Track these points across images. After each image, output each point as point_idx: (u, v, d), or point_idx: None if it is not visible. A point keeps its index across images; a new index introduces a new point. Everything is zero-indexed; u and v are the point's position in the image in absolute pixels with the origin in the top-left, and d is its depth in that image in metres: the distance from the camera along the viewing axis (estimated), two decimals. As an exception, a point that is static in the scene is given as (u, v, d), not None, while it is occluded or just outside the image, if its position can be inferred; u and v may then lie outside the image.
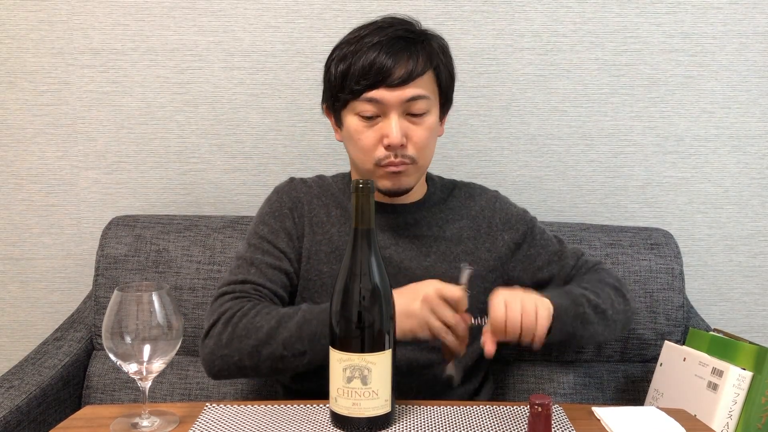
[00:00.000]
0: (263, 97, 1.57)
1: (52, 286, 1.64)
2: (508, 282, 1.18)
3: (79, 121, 1.58)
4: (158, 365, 0.84)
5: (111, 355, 0.83)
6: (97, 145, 1.59)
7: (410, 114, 1.06)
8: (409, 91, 1.04)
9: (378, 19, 1.10)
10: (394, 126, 1.04)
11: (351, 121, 1.08)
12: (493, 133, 1.58)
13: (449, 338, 0.95)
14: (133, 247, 1.42)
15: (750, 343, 1.11)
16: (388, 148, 1.05)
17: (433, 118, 1.09)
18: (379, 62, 1.03)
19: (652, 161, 1.59)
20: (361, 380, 0.82)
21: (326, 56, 1.53)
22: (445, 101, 1.14)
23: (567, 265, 1.20)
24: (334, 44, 1.53)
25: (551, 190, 1.60)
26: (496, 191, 1.25)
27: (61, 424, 0.87)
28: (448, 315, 0.95)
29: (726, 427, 1.08)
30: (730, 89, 1.56)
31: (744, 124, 1.58)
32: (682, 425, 0.90)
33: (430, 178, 1.23)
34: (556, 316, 1.01)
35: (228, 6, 1.54)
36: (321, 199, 1.18)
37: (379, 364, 0.82)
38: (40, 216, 1.61)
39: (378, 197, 1.13)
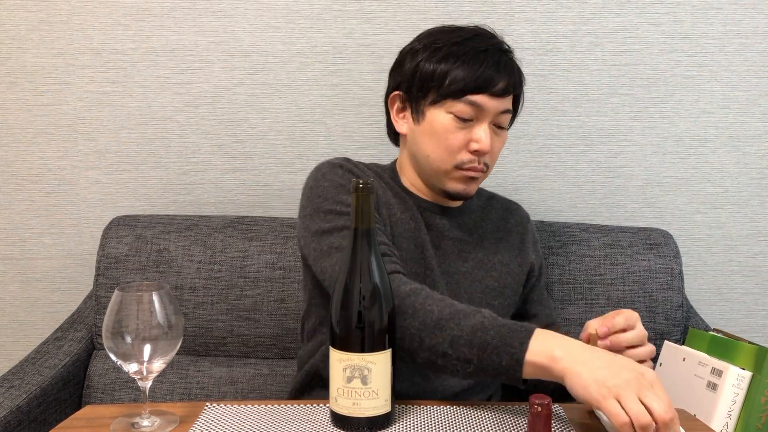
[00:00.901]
0: (263, 97, 1.57)
1: (52, 286, 1.64)
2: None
3: (79, 121, 1.58)
4: (158, 365, 0.85)
5: (111, 355, 0.83)
6: (97, 145, 1.59)
7: (496, 124, 1.09)
8: (505, 103, 1.08)
9: (470, 26, 1.12)
10: (485, 133, 1.06)
11: (442, 118, 1.07)
12: (493, 133, 1.58)
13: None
14: (134, 247, 1.42)
15: (749, 343, 1.12)
16: (475, 153, 1.07)
17: (506, 133, 1.13)
18: (489, 70, 1.05)
19: (652, 161, 1.59)
20: (361, 380, 0.82)
21: (326, 56, 1.55)
22: (514, 117, 1.17)
23: (549, 315, 1.24)
24: (333, 44, 1.54)
25: (551, 190, 1.60)
26: (528, 214, 1.28)
27: (61, 424, 0.87)
28: (662, 407, 0.76)
29: (725, 426, 1.08)
30: (730, 89, 1.57)
31: (744, 124, 1.58)
32: (682, 425, 0.91)
33: None
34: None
35: (228, 6, 1.54)
36: (377, 180, 1.15)
37: (379, 364, 0.82)
38: (40, 216, 1.61)
39: (426, 195, 1.15)
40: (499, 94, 1.06)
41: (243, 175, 1.60)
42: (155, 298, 0.83)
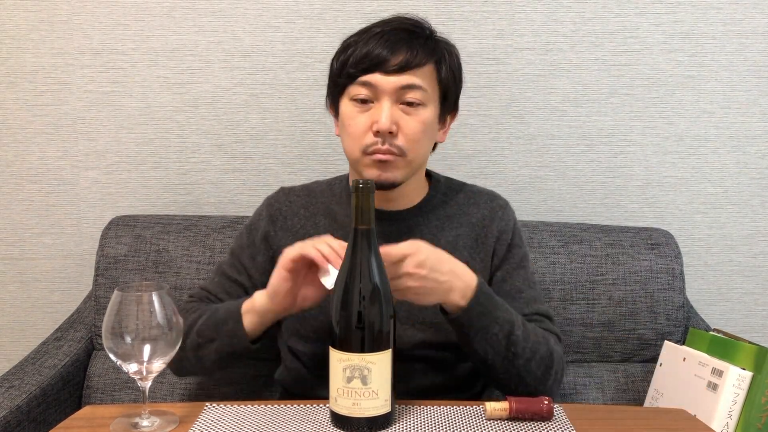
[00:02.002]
0: (263, 97, 1.57)
1: (52, 286, 1.64)
2: None
3: (79, 121, 1.58)
4: (158, 365, 0.84)
5: (111, 355, 0.83)
6: (97, 145, 1.59)
7: (404, 103, 1.04)
8: (404, 79, 1.03)
9: (392, 17, 1.11)
10: (384, 111, 1.02)
11: (345, 107, 1.07)
12: (493, 133, 1.58)
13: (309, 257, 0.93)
14: (133, 247, 1.42)
15: (750, 343, 1.12)
16: (376, 134, 1.03)
17: (428, 112, 1.06)
18: (378, 49, 1.03)
19: (652, 161, 1.59)
20: (361, 380, 0.82)
21: (326, 56, 1.54)
22: (445, 100, 1.10)
23: (518, 308, 1.09)
24: (334, 44, 1.53)
25: (551, 190, 1.60)
26: (506, 201, 1.20)
27: (61, 424, 0.87)
28: (291, 255, 0.94)
29: (726, 427, 1.08)
30: (730, 89, 1.56)
31: (744, 124, 1.58)
32: (682, 425, 0.90)
33: (436, 180, 1.19)
34: (466, 309, 0.96)
35: (228, 6, 1.54)
36: (308, 209, 1.17)
37: (379, 364, 0.82)
38: (40, 216, 1.61)
39: (376, 203, 1.12)
40: (394, 71, 1.02)
41: (243, 175, 1.60)
42: (155, 298, 0.83)
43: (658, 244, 1.43)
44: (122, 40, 1.55)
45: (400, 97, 1.04)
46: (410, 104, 1.05)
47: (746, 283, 1.63)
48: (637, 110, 1.57)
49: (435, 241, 1.11)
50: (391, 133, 1.03)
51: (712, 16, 1.54)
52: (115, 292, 0.82)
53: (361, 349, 0.82)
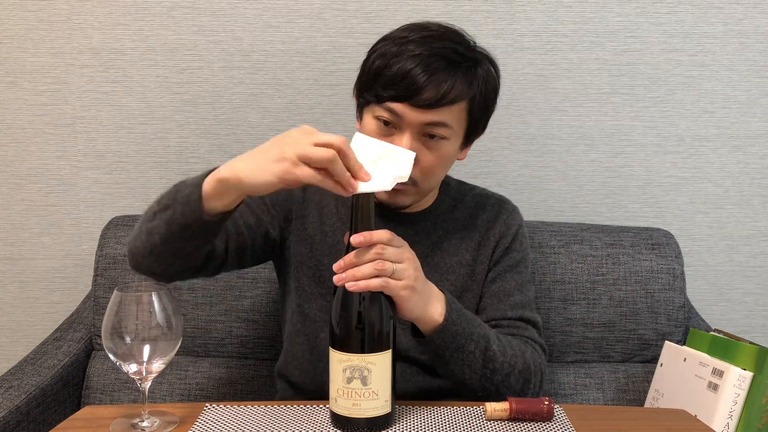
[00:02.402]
0: (263, 97, 1.57)
1: (51, 286, 1.64)
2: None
3: (79, 121, 1.58)
4: (158, 365, 0.84)
5: (111, 356, 0.83)
6: (97, 145, 1.59)
7: (426, 135, 1.01)
8: (431, 116, 0.98)
9: (434, 24, 1.04)
10: (404, 144, 0.98)
11: (368, 121, 1.03)
12: (493, 133, 1.58)
13: (337, 167, 0.81)
14: (133, 247, 1.42)
15: (750, 343, 1.11)
16: None
17: (450, 146, 1.03)
18: (412, 77, 0.96)
19: (653, 161, 1.59)
20: (361, 381, 0.82)
21: (326, 56, 1.55)
22: (473, 131, 1.08)
23: (501, 310, 1.09)
24: (334, 44, 1.54)
25: (551, 190, 1.60)
26: (515, 207, 1.19)
27: (61, 425, 0.87)
28: (327, 137, 0.83)
29: (726, 427, 1.07)
30: (730, 89, 1.56)
31: (744, 124, 1.58)
32: (682, 426, 0.90)
33: (446, 184, 1.18)
34: (442, 327, 0.92)
35: (228, 6, 1.54)
36: (337, 200, 1.15)
37: (379, 365, 0.82)
38: (39, 216, 1.61)
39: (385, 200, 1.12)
40: (424, 106, 0.97)
41: (243, 175, 1.59)
42: (154, 298, 0.82)
43: (659, 244, 1.43)
44: (122, 40, 1.55)
45: (424, 130, 1.00)
46: (432, 137, 1.01)
47: (747, 283, 1.63)
48: (637, 110, 1.57)
49: (439, 243, 1.12)
50: None
51: (712, 16, 1.54)
52: (115, 292, 0.82)
53: (362, 350, 0.82)
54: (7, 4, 1.54)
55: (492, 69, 1.07)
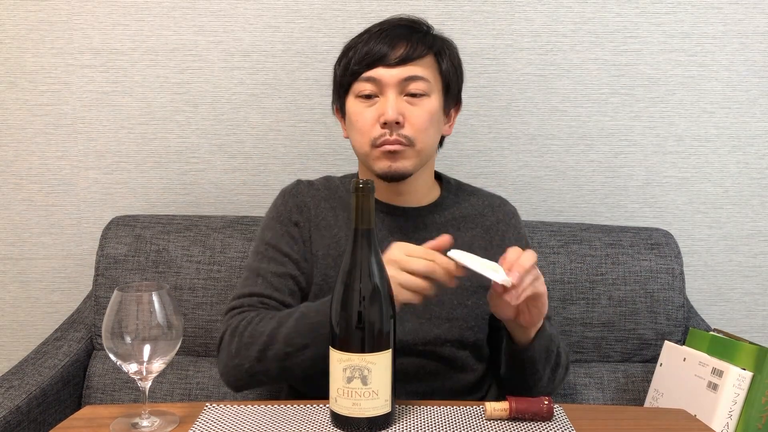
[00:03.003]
0: (263, 97, 1.57)
1: (52, 286, 1.64)
2: None
3: (79, 121, 1.58)
4: (158, 365, 0.84)
5: (111, 355, 0.83)
6: (97, 145, 1.59)
7: (409, 95, 1.07)
8: (406, 70, 1.06)
9: (388, 17, 1.14)
10: (390, 102, 1.05)
11: (351, 104, 1.10)
12: (493, 133, 1.58)
13: (427, 286, 0.91)
14: (133, 247, 1.42)
15: (750, 343, 1.11)
16: (384, 125, 1.05)
17: (433, 102, 1.09)
18: (379, 45, 1.06)
19: (652, 161, 1.59)
20: (361, 380, 0.82)
21: (326, 56, 1.55)
22: (448, 91, 1.13)
23: None
24: (334, 44, 1.54)
25: (551, 190, 1.60)
26: (515, 208, 1.24)
27: (61, 424, 0.87)
28: (418, 264, 0.91)
29: (726, 427, 1.08)
30: (730, 89, 1.56)
31: (744, 124, 1.58)
32: (682, 426, 0.90)
33: (446, 182, 1.21)
34: (540, 331, 1.03)
35: (228, 6, 1.54)
36: (328, 201, 1.16)
37: (379, 364, 0.82)
38: (40, 216, 1.61)
39: (388, 198, 1.13)
40: (396, 63, 1.05)
41: (243, 175, 1.60)
42: (155, 298, 0.83)
43: (658, 244, 1.43)
44: (122, 40, 1.55)
45: (403, 88, 1.07)
46: (414, 95, 1.07)
47: (746, 283, 1.63)
48: (637, 110, 1.57)
49: (476, 230, 1.16)
50: (398, 123, 1.05)
51: (712, 16, 1.54)
52: (115, 292, 0.82)
53: (362, 350, 0.82)
54: (7, 4, 1.54)
55: (450, 43, 1.15)
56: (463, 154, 1.59)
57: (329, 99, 1.55)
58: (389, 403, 0.84)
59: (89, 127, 1.58)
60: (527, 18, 1.54)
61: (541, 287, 0.94)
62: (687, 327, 1.41)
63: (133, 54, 1.56)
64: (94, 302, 1.42)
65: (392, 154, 1.06)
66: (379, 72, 1.06)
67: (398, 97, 1.06)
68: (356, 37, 1.12)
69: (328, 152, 1.58)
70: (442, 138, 1.18)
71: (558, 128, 1.58)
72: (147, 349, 0.83)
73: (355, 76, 1.08)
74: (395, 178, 1.09)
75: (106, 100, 1.57)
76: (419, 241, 1.06)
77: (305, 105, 1.57)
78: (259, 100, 1.57)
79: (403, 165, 1.07)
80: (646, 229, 1.48)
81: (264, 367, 1.00)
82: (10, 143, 1.59)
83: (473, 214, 1.18)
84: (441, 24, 1.53)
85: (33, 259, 1.63)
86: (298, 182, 1.20)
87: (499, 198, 1.24)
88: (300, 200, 1.16)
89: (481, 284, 1.12)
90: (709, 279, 1.63)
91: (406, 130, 1.06)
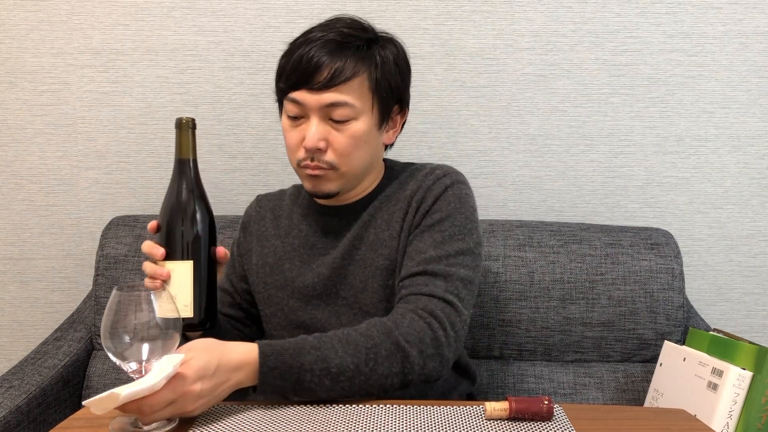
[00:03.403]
0: (263, 97, 1.57)
1: (52, 286, 1.64)
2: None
3: (79, 121, 1.58)
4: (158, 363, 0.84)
5: (110, 355, 0.83)
6: (97, 145, 1.59)
7: (332, 119, 1.03)
8: (327, 96, 1.01)
9: (334, 17, 1.08)
10: (311, 129, 1.02)
11: (283, 119, 1.09)
12: (493, 133, 1.58)
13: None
14: (133, 247, 1.42)
15: (750, 343, 1.11)
16: (305, 150, 1.04)
17: (359, 125, 1.04)
18: (306, 61, 1.01)
19: (652, 161, 1.59)
20: (164, 285, 0.91)
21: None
22: (383, 106, 1.07)
23: (409, 267, 1.03)
24: (333, 44, 1.54)
25: (551, 190, 1.60)
26: (448, 173, 1.10)
27: (61, 424, 0.87)
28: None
29: (726, 427, 1.08)
30: (730, 89, 1.56)
31: (744, 124, 1.58)
32: (682, 426, 0.90)
33: (389, 168, 1.17)
34: (261, 381, 0.89)
35: (228, 6, 1.54)
36: (275, 212, 1.21)
37: (178, 271, 0.92)
38: (40, 216, 1.61)
39: (326, 201, 1.13)
40: (319, 88, 1.01)
41: (243, 175, 1.60)
42: (153, 297, 0.83)
43: (658, 244, 1.43)
44: (122, 40, 1.55)
45: (327, 113, 1.03)
46: (338, 121, 1.03)
47: (746, 283, 1.63)
48: (637, 110, 1.57)
49: (373, 221, 1.11)
50: (319, 149, 1.03)
51: (712, 16, 1.54)
52: (114, 291, 0.82)
53: (166, 258, 0.93)
54: (7, 4, 1.54)
55: (392, 46, 1.08)
56: (463, 154, 1.59)
57: (329, 99, 1.56)
58: (189, 309, 0.93)
59: (89, 127, 1.58)
60: (527, 18, 1.54)
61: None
62: (687, 327, 1.41)
63: (133, 54, 1.56)
64: (94, 302, 1.42)
65: (314, 178, 1.06)
66: (302, 95, 1.02)
67: (321, 122, 1.03)
68: (300, 36, 1.06)
69: (328, 152, 1.58)
70: (386, 145, 1.13)
71: (558, 128, 1.58)
72: (146, 348, 0.83)
73: (283, 93, 1.06)
74: (321, 197, 1.10)
75: (106, 100, 1.57)
76: (347, 234, 1.11)
77: (305, 105, 1.57)
78: (259, 100, 1.57)
79: (327, 187, 1.07)
80: (646, 229, 1.48)
81: None
82: (10, 143, 1.59)
83: (396, 191, 1.12)
84: (441, 24, 1.53)
85: (33, 259, 1.63)
86: (255, 198, 1.27)
87: (435, 167, 1.13)
88: (247, 216, 1.24)
89: (396, 258, 1.07)
90: (709, 279, 1.63)
91: (329, 156, 1.04)
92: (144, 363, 0.84)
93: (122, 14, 1.54)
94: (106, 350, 0.83)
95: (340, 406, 0.92)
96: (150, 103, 1.57)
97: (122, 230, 1.44)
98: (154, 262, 0.93)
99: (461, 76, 1.55)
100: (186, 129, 0.95)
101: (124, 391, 0.77)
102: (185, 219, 0.94)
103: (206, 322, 0.95)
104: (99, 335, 1.41)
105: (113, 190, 1.60)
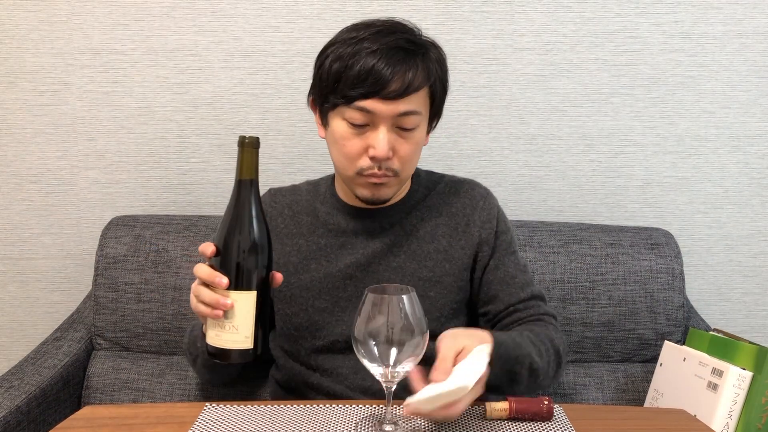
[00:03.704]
0: (263, 97, 1.57)
1: (52, 286, 1.64)
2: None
3: (79, 121, 1.58)
4: (405, 367, 0.82)
5: (360, 358, 0.82)
6: (97, 145, 1.59)
7: (399, 127, 1.03)
8: (403, 106, 1.00)
9: (377, 20, 1.05)
10: (381, 139, 1.01)
11: (338, 125, 1.04)
12: (493, 133, 1.58)
13: (201, 309, 0.89)
14: (133, 247, 1.42)
15: (750, 343, 1.11)
16: (373, 159, 1.03)
17: (421, 132, 1.06)
18: (377, 71, 0.98)
19: (652, 161, 1.59)
20: (225, 314, 0.87)
21: (326, 56, 1.55)
22: (435, 115, 1.10)
23: (515, 294, 1.13)
24: (334, 44, 1.54)
25: (551, 190, 1.60)
26: (487, 189, 1.20)
27: (61, 424, 0.87)
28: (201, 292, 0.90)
29: (726, 427, 1.08)
30: (730, 89, 1.56)
31: (744, 124, 1.58)
32: (682, 426, 0.90)
33: (416, 175, 1.20)
34: (490, 371, 0.93)
35: (228, 6, 1.54)
36: (292, 208, 1.18)
37: (241, 302, 0.86)
38: (40, 216, 1.61)
39: (355, 201, 1.13)
40: (394, 97, 0.99)
41: (243, 175, 1.60)
42: (405, 300, 0.81)
43: (658, 244, 1.43)
44: (122, 40, 1.55)
45: (396, 122, 1.02)
46: (406, 129, 1.03)
47: (746, 283, 1.63)
48: (637, 110, 1.57)
49: (414, 231, 1.14)
50: (388, 158, 1.03)
51: (712, 16, 1.54)
52: (367, 293, 0.81)
53: (228, 287, 0.87)
54: (7, 4, 1.54)
55: (440, 52, 1.09)
56: (463, 154, 1.59)
57: (329, 99, 1.56)
58: (249, 340, 0.87)
59: (89, 127, 1.58)
60: (527, 18, 1.54)
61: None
62: (687, 327, 1.41)
63: (133, 54, 1.56)
64: (94, 302, 1.42)
65: (377, 185, 1.06)
66: (374, 105, 0.99)
67: (389, 130, 1.02)
68: (346, 42, 1.02)
69: (328, 152, 1.58)
70: None
71: (558, 128, 1.58)
72: (394, 351, 0.81)
73: (347, 100, 1.01)
74: (376, 204, 1.10)
75: (106, 100, 1.57)
76: (384, 239, 1.11)
77: (305, 105, 1.56)
78: (259, 100, 1.57)
79: (385, 193, 1.08)
80: (646, 229, 1.48)
81: (191, 363, 1.14)
82: (9, 143, 1.59)
83: (438, 203, 1.16)
84: (441, 24, 1.53)
85: (33, 259, 1.63)
86: (267, 192, 1.23)
87: (468, 182, 1.20)
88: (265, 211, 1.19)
89: (445, 273, 1.12)
90: (709, 279, 1.63)
91: (393, 163, 1.04)
92: (390, 367, 0.82)
93: (122, 14, 1.54)
94: (357, 353, 0.82)
95: (341, 406, 0.92)
96: (150, 103, 1.57)
97: (122, 230, 1.44)
98: (206, 285, 0.89)
99: (461, 76, 1.55)
100: (249, 148, 0.89)
101: (443, 388, 0.79)
102: (251, 248, 0.88)
103: (263, 353, 0.91)
104: (99, 335, 1.41)
105: (113, 190, 1.60)
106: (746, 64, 1.55)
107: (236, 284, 0.87)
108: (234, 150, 1.59)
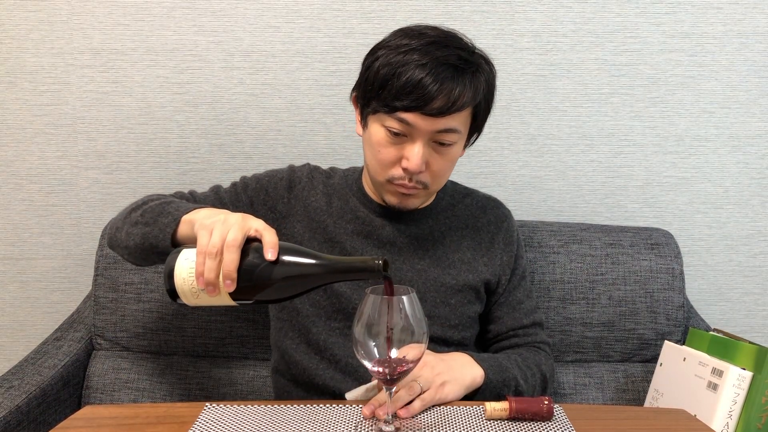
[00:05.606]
0: (263, 97, 1.57)
1: (52, 286, 1.64)
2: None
3: (79, 121, 1.58)
4: (403, 368, 0.82)
5: (360, 358, 0.82)
6: (97, 145, 1.59)
7: (437, 142, 1.03)
8: (443, 123, 1.01)
9: (432, 29, 1.04)
10: (416, 153, 1.01)
11: (376, 130, 1.04)
12: (493, 133, 1.58)
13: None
14: (133, 247, 1.42)
15: (750, 343, 1.12)
16: (405, 171, 1.03)
17: (457, 148, 1.08)
18: (423, 86, 0.97)
19: (652, 161, 1.59)
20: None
21: (326, 56, 1.55)
22: (474, 131, 1.11)
23: (518, 319, 1.19)
24: (334, 44, 1.54)
25: (551, 190, 1.60)
26: (509, 210, 1.25)
27: (61, 424, 0.87)
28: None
29: (726, 427, 1.08)
30: (730, 89, 1.56)
31: (744, 124, 1.58)
32: (682, 426, 0.90)
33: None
34: (481, 390, 1.02)
35: (228, 6, 1.54)
36: (327, 187, 1.19)
37: (225, 300, 0.87)
38: (40, 216, 1.61)
39: (382, 200, 1.14)
40: (435, 114, 0.99)
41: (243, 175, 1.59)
42: (405, 301, 0.81)
43: (658, 244, 1.43)
44: (122, 40, 1.55)
45: (434, 137, 1.03)
46: (442, 144, 1.04)
47: (746, 283, 1.63)
48: (637, 110, 1.57)
49: (441, 238, 1.16)
50: (420, 171, 1.04)
51: (712, 16, 1.54)
52: (369, 294, 0.81)
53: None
54: (7, 4, 1.54)
55: (491, 70, 1.08)
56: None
57: (329, 99, 1.57)
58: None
59: (89, 127, 1.58)
60: (527, 18, 1.54)
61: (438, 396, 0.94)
62: (687, 327, 1.41)
63: (133, 54, 1.56)
64: (94, 302, 1.42)
65: (405, 195, 1.08)
66: (415, 119, 0.99)
67: (426, 144, 1.02)
68: (398, 49, 1.00)
69: (328, 152, 1.58)
70: None
71: (558, 128, 1.58)
72: (393, 352, 0.81)
73: (389, 109, 1.00)
74: (402, 211, 1.12)
75: (106, 100, 1.57)
76: (410, 241, 1.12)
77: (305, 105, 1.57)
78: (259, 100, 1.57)
79: (412, 203, 1.10)
80: (646, 229, 1.48)
81: (122, 223, 1.07)
82: (9, 143, 1.59)
83: (465, 215, 1.20)
84: (441, 24, 1.53)
85: (33, 259, 1.63)
86: (306, 165, 1.24)
87: (494, 200, 1.24)
88: (297, 177, 1.19)
89: (467, 283, 1.14)
90: (709, 279, 1.63)
91: (425, 177, 1.05)
92: (390, 366, 0.82)
93: (122, 14, 1.54)
94: (357, 355, 0.82)
95: (341, 406, 0.92)
96: (150, 103, 1.57)
97: (122, 230, 1.44)
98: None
99: (461, 76, 1.55)
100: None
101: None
102: (277, 297, 0.88)
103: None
104: (99, 335, 1.41)
105: (113, 190, 1.60)
106: (746, 64, 1.55)
107: (234, 294, 0.85)
108: (234, 150, 1.59)
